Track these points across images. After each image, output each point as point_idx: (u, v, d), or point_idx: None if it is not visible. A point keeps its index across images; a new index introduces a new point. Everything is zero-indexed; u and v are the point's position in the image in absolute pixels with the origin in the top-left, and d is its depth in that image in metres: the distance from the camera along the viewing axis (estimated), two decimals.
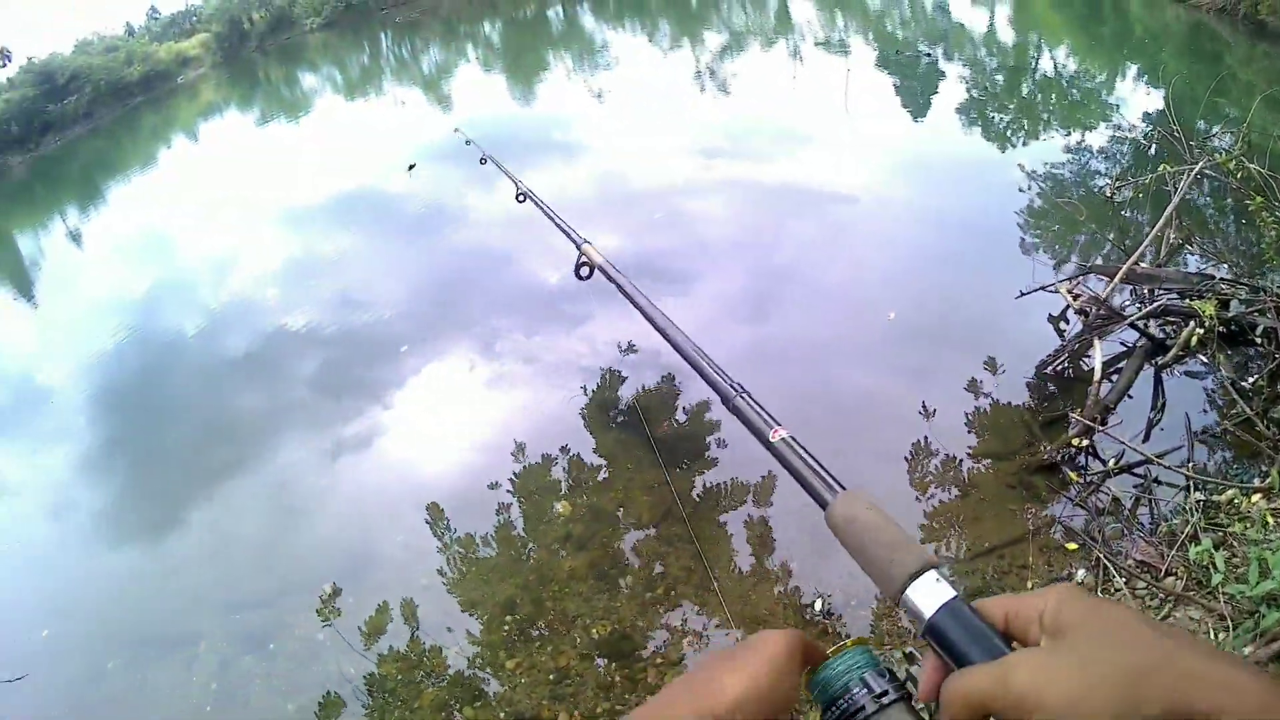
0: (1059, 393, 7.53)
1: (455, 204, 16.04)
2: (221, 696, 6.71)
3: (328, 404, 10.54)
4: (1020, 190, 11.61)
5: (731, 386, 1.65)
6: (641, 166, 15.75)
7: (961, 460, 6.93)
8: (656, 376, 9.16)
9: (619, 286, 2.46)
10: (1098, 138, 13.66)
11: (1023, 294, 8.69)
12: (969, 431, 7.33)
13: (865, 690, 0.94)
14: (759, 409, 1.52)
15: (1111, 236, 9.76)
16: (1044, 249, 10.51)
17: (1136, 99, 15.59)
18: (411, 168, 13.28)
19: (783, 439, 1.40)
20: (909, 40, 23.74)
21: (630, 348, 9.60)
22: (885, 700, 0.94)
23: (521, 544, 7.36)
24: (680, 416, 8.41)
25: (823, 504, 1.23)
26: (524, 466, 8.25)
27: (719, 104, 19.85)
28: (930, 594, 0.94)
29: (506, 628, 6.44)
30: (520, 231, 12.73)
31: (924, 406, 7.60)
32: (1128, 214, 10.26)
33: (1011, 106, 16.52)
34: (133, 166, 32.75)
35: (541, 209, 3.89)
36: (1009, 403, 7.59)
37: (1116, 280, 7.72)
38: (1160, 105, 14.63)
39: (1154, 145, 12.29)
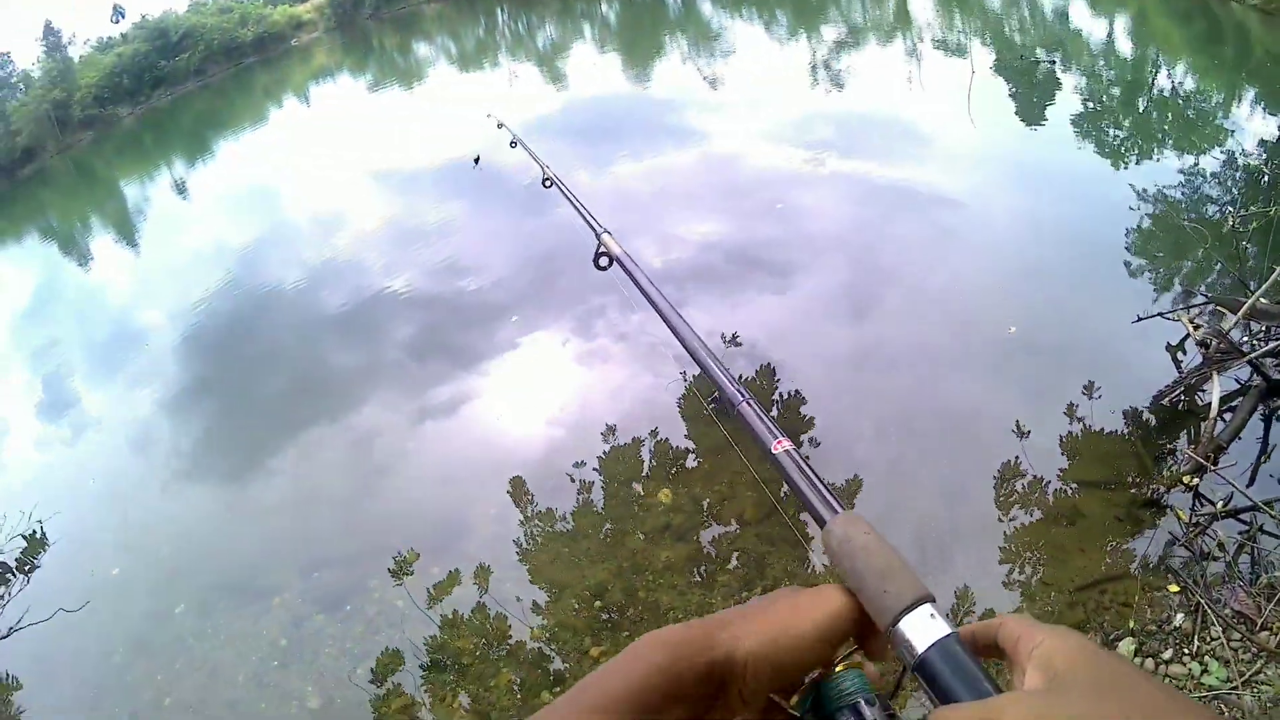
0: (1169, 424, 7.35)
1: (564, 178, 15.92)
2: (291, 653, 6.77)
3: (432, 367, 10.62)
4: (1131, 209, 11.47)
5: (739, 391, 1.64)
6: (752, 156, 15.50)
7: (1070, 488, 6.78)
8: (753, 368, 9.09)
9: (634, 280, 2.41)
10: (1211, 161, 13.29)
11: (1140, 319, 8.62)
12: (1076, 458, 7.13)
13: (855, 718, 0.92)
14: (763, 417, 1.48)
15: (1229, 267, 9.49)
16: (1154, 272, 10.31)
17: (1253, 124, 15.15)
18: (477, 161, 13.26)
19: (785, 451, 1.36)
20: (1026, 45, 23.32)
21: (734, 340, 9.45)
22: None
23: (618, 528, 7.20)
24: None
25: (820, 522, 1.20)
26: (621, 447, 8.19)
27: (832, 98, 19.56)
28: (923, 629, 0.91)
29: (594, 612, 6.38)
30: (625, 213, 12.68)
31: (1021, 426, 7.49)
32: (1247, 245, 9.78)
33: (1127, 123, 16.14)
34: (243, 123, 33.17)
35: (565, 194, 3.86)
36: (1120, 431, 7.38)
37: (1240, 315, 7.46)
38: (1278, 133, 14.25)
39: (1267, 175, 12.05)
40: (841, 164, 14.37)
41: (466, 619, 6.69)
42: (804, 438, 7.81)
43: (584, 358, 9.95)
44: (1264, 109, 16.28)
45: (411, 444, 9.19)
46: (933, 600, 0.92)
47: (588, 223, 3.19)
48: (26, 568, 9.08)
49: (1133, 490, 6.49)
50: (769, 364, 8.82)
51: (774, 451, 1.36)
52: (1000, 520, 6.58)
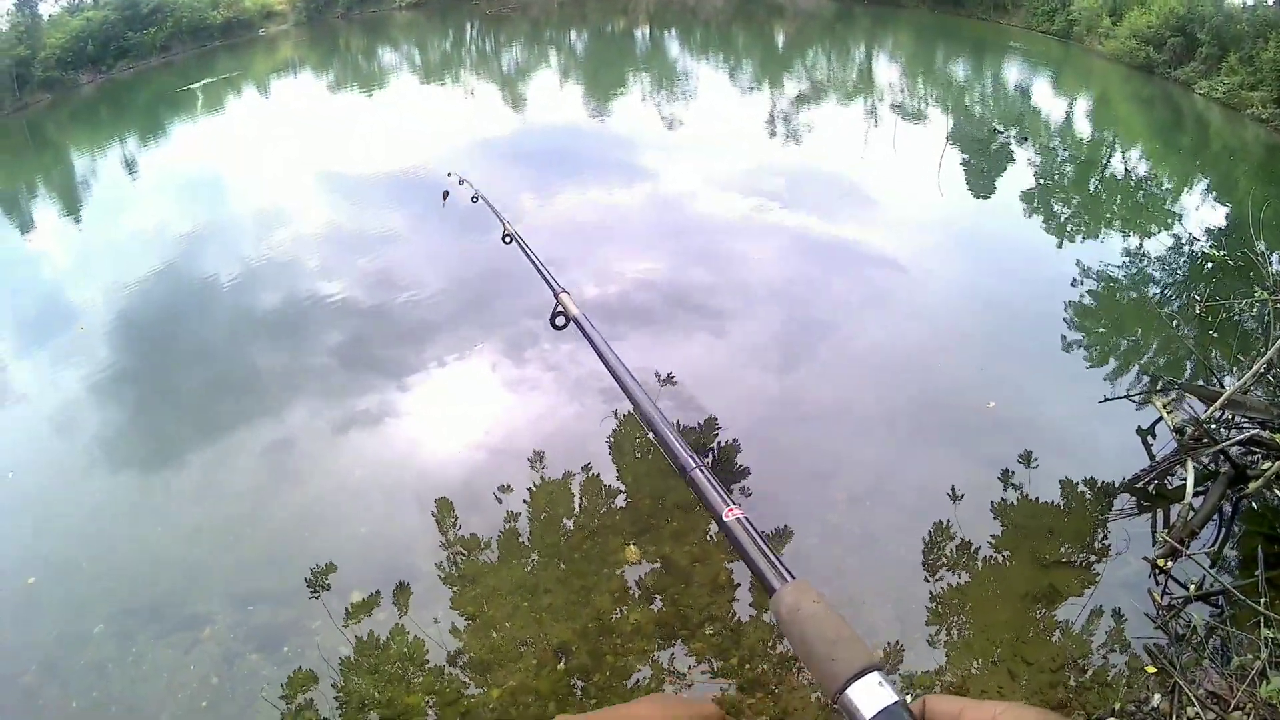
0: (1137, 506, 7.64)
1: (509, 203, 15.99)
2: (223, 694, 6.49)
3: (360, 377, 10.52)
4: (1074, 283, 11.88)
5: (690, 458, 1.63)
6: (699, 200, 15.68)
7: (1048, 567, 6.89)
8: (683, 410, 9.06)
9: (591, 341, 2.45)
10: (1156, 245, 13.80)
11: (1107, 399, 9.04)
12: (1052, 537, 7.33)
13: None
14: (715, 486, 1.49)
15: (1194, 353, 9.87)
16: (1091, 349, 10.61)
17: (1203, 212, 15.62)
18: (445, 195, 13.37)
19: (736, 519, 1.38)
20: (985, 118, 23.70)
21: (669, 379, 9.56)
22: None
23: (581, 584, 6.98)
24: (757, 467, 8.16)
25: (770, 590, 1.22)
26: (551, 481, 8.15)
27: (787, 151, 19.77)
28: (870, 697, 0.93)
29: (557, 676, 6.19)
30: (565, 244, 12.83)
31: (956, 491, 7.64)
32: (1211, 333, 10.43)
33: (1075, 201, 16.48)
34: (199, 107, 32.84)
35: (525, 251, 3.94)
36: (1095, 512, 7.57)
37: (1217, 406, 7.71)
38: (1223, 222, 14.62)
39: (1210, 263, 12.48)
40: (785, 216, 14.59)
41: (419, 674, 6.43)
42: (738, 486, 7.91)
43: (513, 384, 9.97)
44: (1214, 198, 16.75)
45: (357, 462, 8.95)
46: (880, 669, 0.96)
47: (546, 281, 3.24)
48: None
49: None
50: (713, 416, 8.84)
51: (725, 519, 1.39)
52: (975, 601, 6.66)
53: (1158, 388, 9.11)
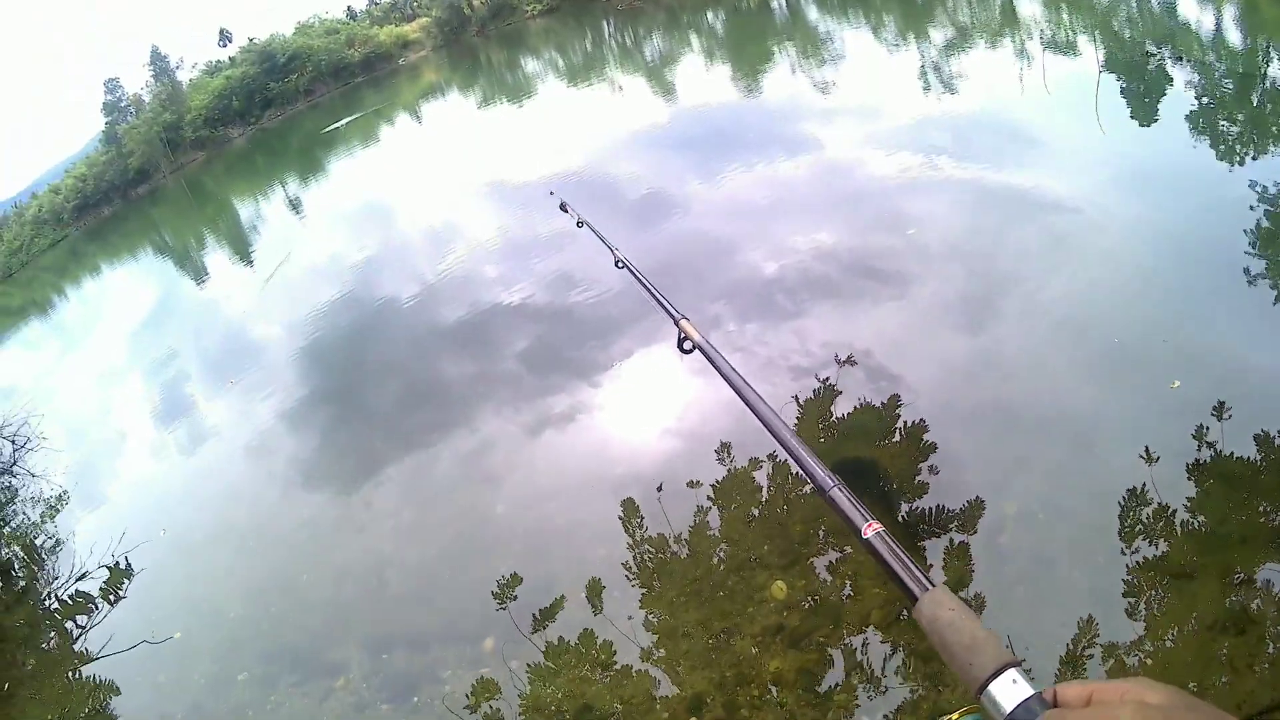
0: None
1: (676, 190, 15.90)
2: None
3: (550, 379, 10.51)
4: (1251, 208, 10.97)
5: (828, 477, 1.66)
6: (865, 163, 15.41)
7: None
8: (872, 383, 8.85)
9: (715, 365, 2.56)
10: None
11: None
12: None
13: None
14: (855, 502, 1.54)
15: None
16: None
17: None
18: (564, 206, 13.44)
19: (876, 533, 1.43)
20: (1134, 40, 22.79)
21: (849, 360, 9.24)
22: None
23: (722, 625, 6.50)
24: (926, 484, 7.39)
25: (912, 599, 1.29)
26: (737, 471, 7.91)
27: (944, 102, 19.29)
28: (1008, 693, 1.02)
29: None
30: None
31: (1151, 452, 6.83)
32: None
33: (1240, 118, 15.59)
34: (354, 141, 33.65)
35: (639, 279, 3.94)
36: None
37: None
38: None
39: None
40: (954, 169, 14.18)
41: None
42: (923, 466, 7.43)
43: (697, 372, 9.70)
44: None
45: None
46: (1017, 665, 1.04)
47: (664, 308, 3.26)
48: (111, 597, 9.27)
49: None
50: (895, 394, 8.43)
51: (865, 535, 1.43)
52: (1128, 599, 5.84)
53: None
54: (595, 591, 6.90)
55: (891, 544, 1.38)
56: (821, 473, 1.66)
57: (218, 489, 10.72)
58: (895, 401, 8.30)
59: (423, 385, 11.41)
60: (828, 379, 8.81)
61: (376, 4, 68.09)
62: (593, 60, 39.73)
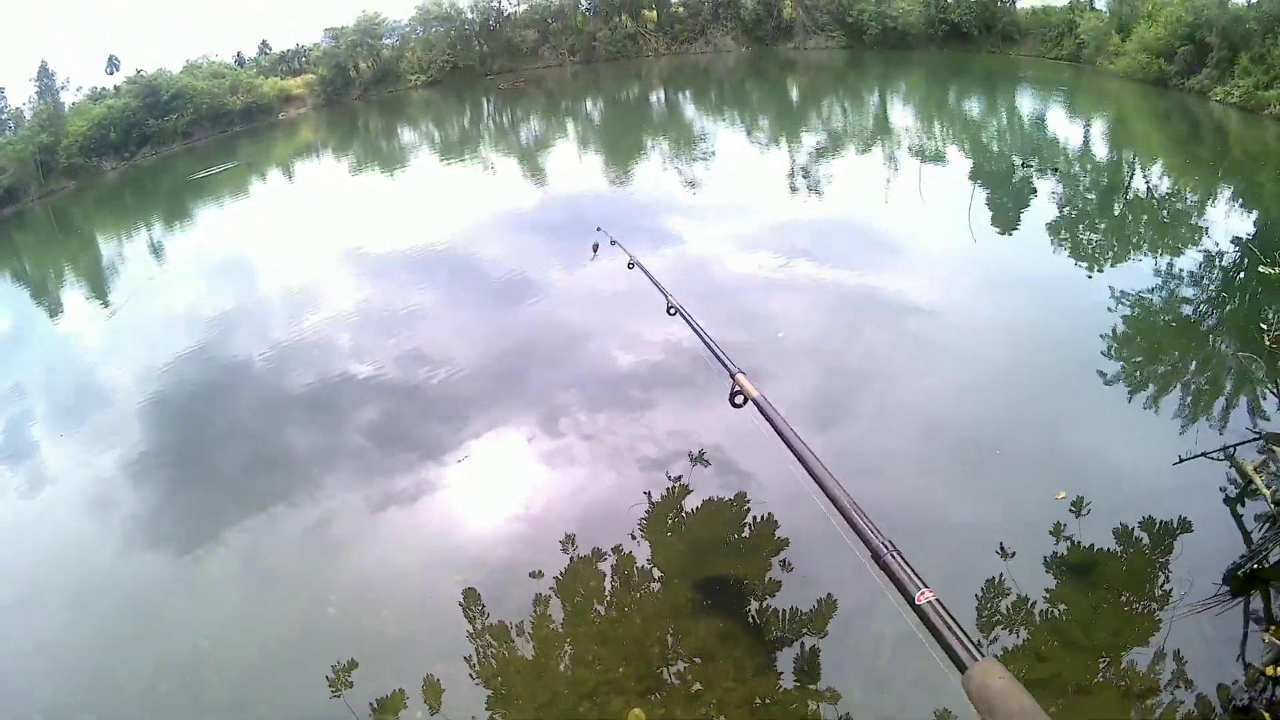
0: (1230, 594, 6.38)
1: (536, 275, 15.99)
2: None
3: (396, 456, 10.35)
4: (1108, 311, 11.62)
5: (884, 543, 1.67)
6: (725, 260, 15.70)
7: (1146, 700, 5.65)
8: (720, 478, 8.86)
9: (770, 421, 2.55)
10: (1187, 261, 13.66)
11: (1182, 460, 7.90)
12: (1148, 653, 5.99)
13: None
14: (908, 568, 1.56)
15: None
16: (1133, 383, 10.09)
17: (1234, 222, 15.65)
18: (595, 248, 13.23)
19: (929, 601, 1.46)
20: (1003, 153, 23.68)
21: (701, 458, 9.23)
22: None
23: None
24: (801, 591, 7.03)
25: (961, 667, 1.32)
26: (580, 559, 7.81)
27: (811, 205, 19.76)
28: None
29: None
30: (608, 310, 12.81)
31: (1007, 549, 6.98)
32: (1255, 366, 9.17)
33: (1102, 226, 16.29)
34: (224, 192, 33.15)
35: (693, 327, 4.02)
36: (1202, 618, 6.20)
37: None
38: (1252, 229, 14.41)
39: (1242, 270, 12.43)
40: (815, 271, 14.54)
41: None
42: (773, 562, 7.43)
43: (548, 457, 9.74)
44: (1241, 206, 16.61)
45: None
46: None
47: (721, 361, 3.31)
48: None
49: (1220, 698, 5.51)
50: (743, 492, 8.45)
51: (919, 602, 1.46)
52: None
53: (1238, 443, 7.93)
54: (434, 693, 6.57)
55: (943, 613, 1.42)
56: (877, 539, 1.71)
57: (38, 547, 10.23)
58: (743, 498, 8.33)
59: (270, 451, 11.10)
60: (679, 477, 8.79)
61: (266, 54, 67.14)
62: (468, 137, 39.66)
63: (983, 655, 1.31)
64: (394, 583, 7.99)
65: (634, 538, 7.97)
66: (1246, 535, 6.98)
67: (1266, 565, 6.32)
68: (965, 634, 1.37)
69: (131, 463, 11.25)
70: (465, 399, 11.35)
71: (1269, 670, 5.33)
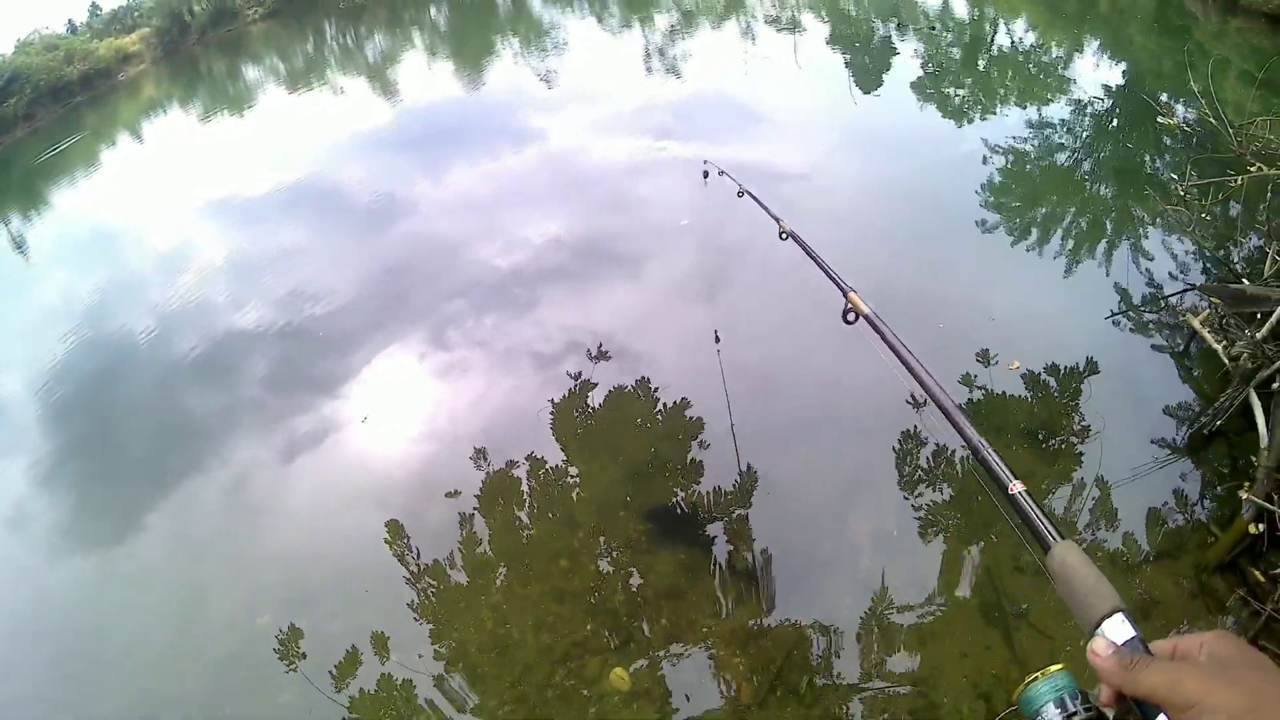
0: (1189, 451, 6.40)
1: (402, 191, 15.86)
2: None
3: (295, 398, 10.28)
4: (984, 161, 11.72)
5: (981, 440, 1.75)
6: (591, 150, 15.74)
7: (1129, 560, 5.72)
8: (621, 366, 8.88)
9: (882, 335, 2.52)
10: (1059, 110, 13.66)
11: (1114, 314, 7.96)
12: (1127, 524, 5.98)
13: (1060, 710, 1.15)
14: (1001, 463, 1.62)
15: (1201, 246, 8.82)
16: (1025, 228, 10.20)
17: (1101, 72, 15.69)
18: (706, 175, 12.78)
19: (1020, 492, 1.53)
20: (859, 17, 23.69)
21: (602, 353, 9.22)
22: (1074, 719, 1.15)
23: None
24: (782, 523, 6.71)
25: (1045, 547, 1.41)
26: (495, 473, 7.79)
27: (670, 86, 19.73)
28: (1117, 632, 1.17)
29: None
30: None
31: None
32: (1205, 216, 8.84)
33: (969, 82, 16.48)
34: (76, 168, 32.12)
35: (807, 251, 3.83)
36: (1168, 481, 6.21)
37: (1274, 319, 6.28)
38: (1119, 80, 14.55)
39: (1115, 118, 12.52)
40: (680, 149, 14.46)
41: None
42: (696, 439, 7.49)
43: (446, 370, 9.76)
44: (1109, 56, 16.80)
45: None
46: (1124, 610, 1.18)
47: (834, 281, 3.25)
48: None
49: (1200, 555, 5.55)
50: (646, 377, 8.48)
51: (1011, 492, 1.54)
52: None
53: (1169, 293, 8.00)
54: (381, 643, 6.42)
55: (1030, 501, 1.50)
56: (975, 435, 1.77)
57: None
58: (646, 383, 8.35)
59: (172, 423, 10.85)
60: (580, 374, 8.78)
61: (97, 15, 64.69)
62: (314, 64, 38.79)
63: (1063, 537, 1.38)
64: (320, 533, 7.86)
65: (557, 458, 7.86)
66: (1203, 392, 6.94)
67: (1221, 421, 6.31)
68: (1049, 519, 1.43)
69: (38, 467, 10.96)
70: (351, 329, 11.21)
71: (1252, 528, 5.27)
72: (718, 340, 7.68)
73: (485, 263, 11.85)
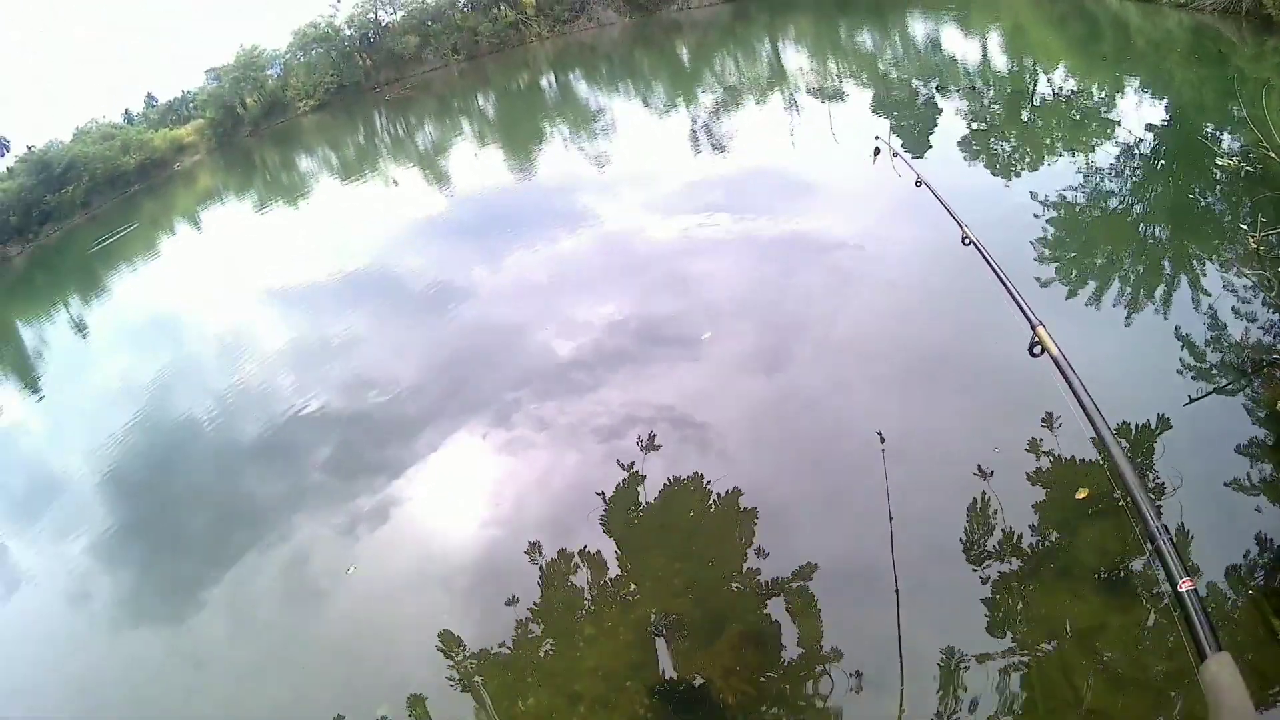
0: None
1: (460, 279, 15.95)
2: None
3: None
4: (1035, 216, 11.36)
5: (1160, 525, 1.69)
6: (645, 230, 15.71)
7: None
8: (679, 434, 8.77)
9: (1066, 379, 2.54)
10: (1103, 156, 13.40)
11: (1192, 400, 6.94)
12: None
13: None
14: (1175, 557, 1.60)
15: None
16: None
17: (1144, 111, 15.56)
18: (876, 153, 12.50)
19: (1190, 590, 1.51)
20: (903, 80, 23.73)
21: (652, 443, 9.14)
22: None
23: None
24: None
25: (1202, 655, 1.39)
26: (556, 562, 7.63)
27: (718, 162, 19.82)
28: None
29: None
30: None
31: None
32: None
33: (1013, 134, 16.38)
34: (134, 255, 32.65)
35: (999, 275, 3.84)
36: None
37: None
38: (1162, 116, 14.41)
39: (1161, 161, 12.35)
40: (734, 225, 14.53)
41: None
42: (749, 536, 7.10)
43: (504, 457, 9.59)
44: (1150, 94, 16.70)
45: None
46: None
47: (1023, 311, 3.31)
48: None
49: None
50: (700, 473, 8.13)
51: (1181, 589, 1.51)
52: None
53: (1257, 368, 7.05)
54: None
55: (1197, 605, 1.46)
56: (1154, 522, 1.71)
57: (29, 649, 9.63)
58: (701, 479, 7.92)
59: (234, 506, 10.77)
60: (631, 464, 8.49)
61: (153, 106, 66.08)
62: (365, 153, 39.22)
63: (1222, 648, 1.37)
64: (382, 618, 7.75)
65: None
66: None
67: None
68: (1212, 625, 1.42)
69: (101, 546, 11.05)
70: (413, 415, 11.20)
71: None
72: (883, 440, 6.66)
73: (543, 348, 11.84)
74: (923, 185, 5.96)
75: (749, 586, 6.50)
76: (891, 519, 5.91)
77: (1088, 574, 5.56)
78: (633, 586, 6.93)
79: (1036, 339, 2.99)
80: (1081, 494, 6.24)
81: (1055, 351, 2.81)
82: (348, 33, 60.15)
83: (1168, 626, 4.93)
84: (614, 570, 7.18)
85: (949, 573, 5.94)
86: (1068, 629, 5.24)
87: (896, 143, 6.27)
